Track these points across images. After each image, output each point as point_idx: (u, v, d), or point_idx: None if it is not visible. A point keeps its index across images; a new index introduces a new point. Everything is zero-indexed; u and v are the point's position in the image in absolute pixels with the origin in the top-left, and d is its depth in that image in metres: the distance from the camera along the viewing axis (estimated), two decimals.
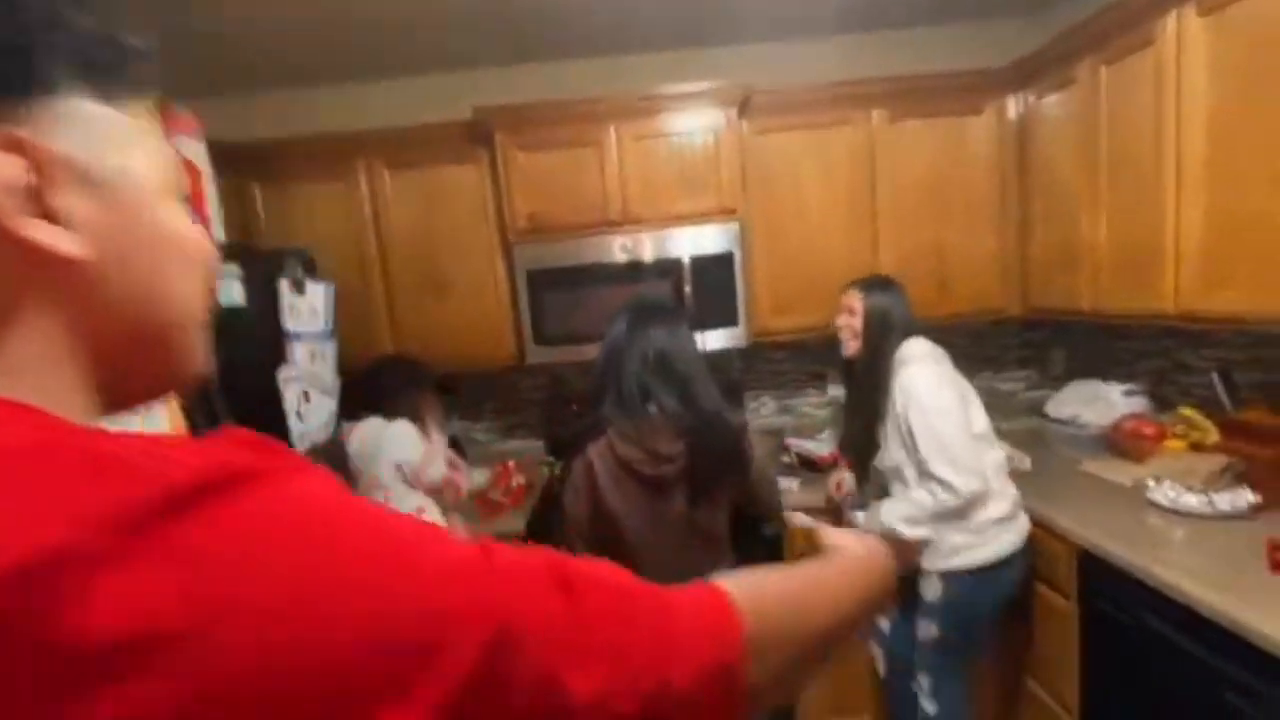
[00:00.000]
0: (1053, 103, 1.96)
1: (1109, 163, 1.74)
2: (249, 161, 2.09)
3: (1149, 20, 1.55)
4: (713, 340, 2.11)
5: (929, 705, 1.65)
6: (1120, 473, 1.79)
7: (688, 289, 2.07)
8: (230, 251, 1.49)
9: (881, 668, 1.83)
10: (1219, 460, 1.61)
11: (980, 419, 1.60)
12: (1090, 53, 1.76)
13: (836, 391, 2.56)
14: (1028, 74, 2.04)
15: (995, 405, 2.02)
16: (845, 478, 1.85)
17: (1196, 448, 1.73)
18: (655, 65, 2.37)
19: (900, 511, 1.57)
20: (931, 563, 1.59)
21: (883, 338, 1.64)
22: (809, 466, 2.22)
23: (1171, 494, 1.57)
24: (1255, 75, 1.32)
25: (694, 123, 2.08)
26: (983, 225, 2.17)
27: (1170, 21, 1.50)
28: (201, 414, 1.27)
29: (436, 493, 1.74)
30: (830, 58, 2.35)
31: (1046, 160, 2.01)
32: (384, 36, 2.01)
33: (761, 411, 2.56)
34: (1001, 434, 1.75)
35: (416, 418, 1.76)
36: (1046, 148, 2.01)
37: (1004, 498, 1.58)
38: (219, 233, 1.53)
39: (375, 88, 2.35)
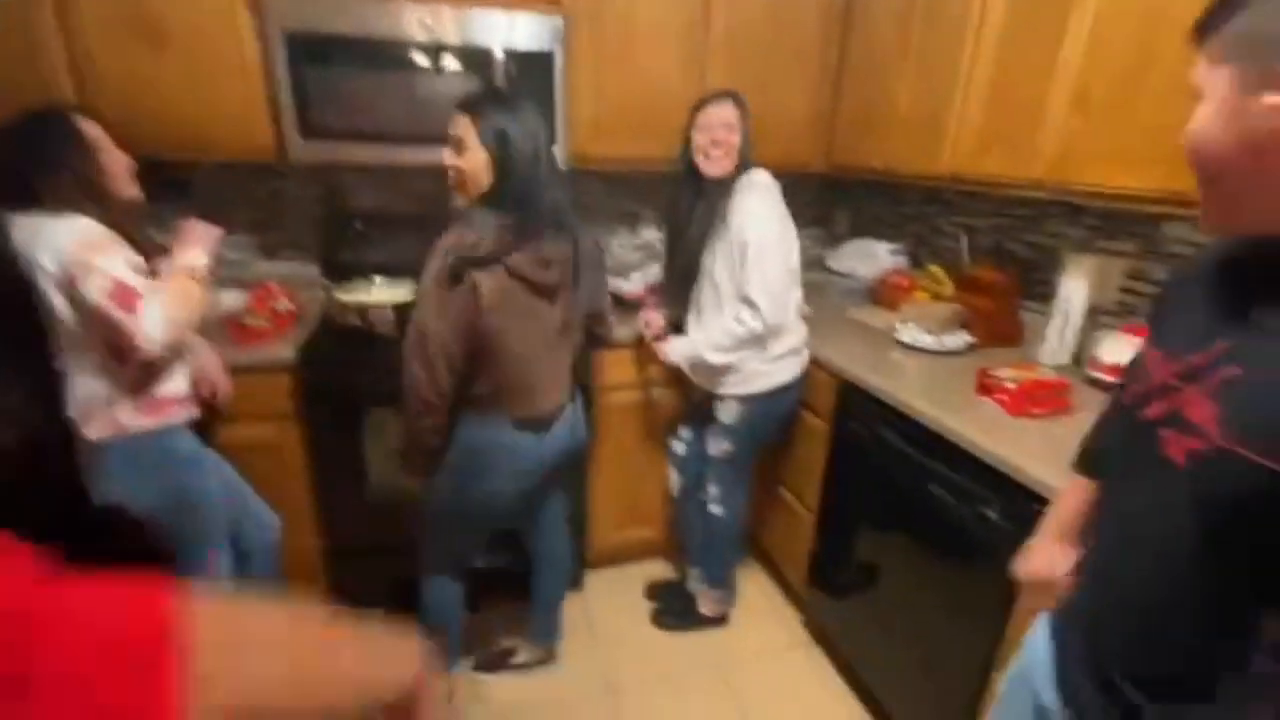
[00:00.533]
0: None
1: (921, 21, 1.79)
2: None
3: None
4: None
5: (717, 509, 1.86)
6: (878, 319, 2.06)
7: (502, 85, 1.78)
8: None
9: (675, 488, 2.00)
10: (952, 308, 1.91)
11: (795, 256, 1.67)
12: None
13: (650, 235, 2.54)
14: None
15: None
16: (654, 315, 1.86)
17: (937, 298, 2.03)
18: None
19: (711, 340, 1.64)
20: (732, 389, 1.71)
21: (747, 159, 1.61)
22: (618, 303, 2.21)
23: (912, 335, 1.85)
24: None
25: None
26: (804, 75, 2.15)
27: None
28: None
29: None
30: None
31: (869, 14, 2.02)
32: None
33: None
34: None
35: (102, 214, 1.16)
36: (870, 3, 2.00)
37: (796, 332, 1.73)
38: None
39: None
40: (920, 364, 1.75)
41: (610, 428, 2.01)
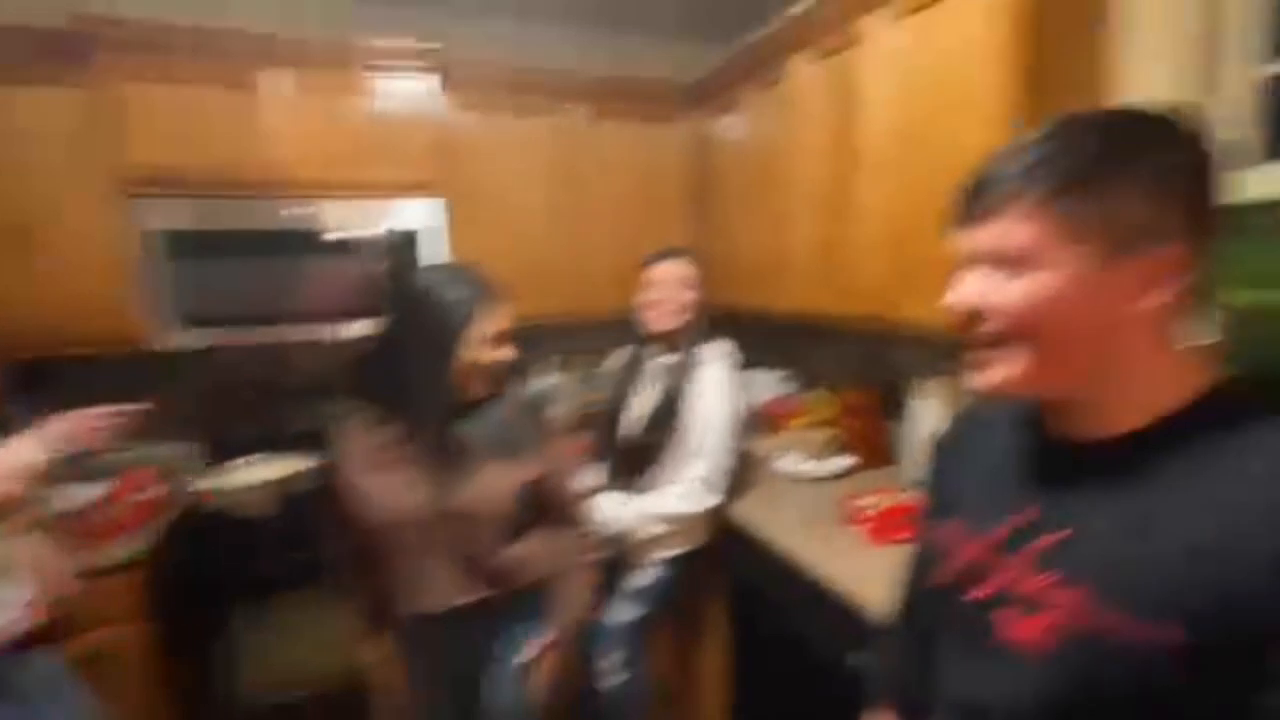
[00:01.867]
0: (723, 122, 2.21)
1: (755, 182, 2.02)
2: None
3: (780, 58, 1.81)
4: None
5: (622, 676, 1.71)
6: (761, 447, 2.09)
7: (381, 268, 1.88)
8: None
9: None
10: (831, 433, 1.97)
11: (742, 420, 1.67)
12: (747, 81, 2.01)
13: (548, 381, 2.60)
14: (708, 92, 2.27)
15: None
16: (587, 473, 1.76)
17: (821, 422, 2.10)
18: (333, 12, 2.11)
19: (649, 510, 1.57)
20: (654, 555, 1.64)
21: (701, 325, 1.61)
22: None
23: (791, 462, 1.88)
24: (849, 117, 1.62)
25: (388, 85, 1.88)
26: (672, 229, 2.35)
27: (794, 62, 1.77)
28: None
29: None
30: (538, 43, 2.36)
31: (718, 174, 2.27)
32: None
33: None
34: None
35: None
36: (719, 163, 2.26)
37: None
38: None
39: None
40: (797, 492, 1.76)
41: None
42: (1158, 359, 0.55)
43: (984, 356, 0.59)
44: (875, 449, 1.91)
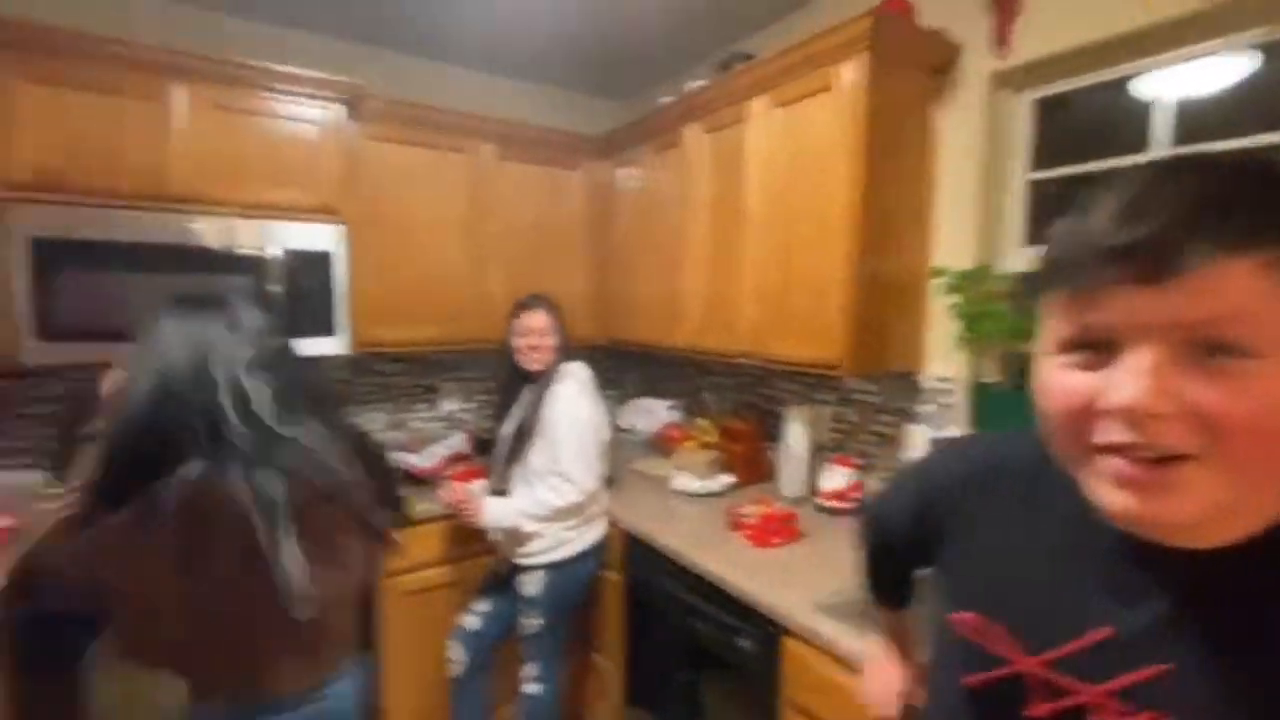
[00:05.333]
0: (623, 175, 2.45)
1: (652, 233, 2.27)
2: None
3: (677, 127, 2.09)
4: (306, 347, 1.92)
5: (535, 688, 1.80)
6: (657, 468, 2.29)
7: (276, 287, 1.87)
8: None
9: (457, 666, 1.87)
10: (713, 455, 2.21)
11: (605, 432, 1.86)
12: (646, 142, 2.27)
13: (451, 405, 2.64)
14: (611, 147, 2.50)
15: None
16: (473, 488, 1.86)
17: (705, 446, 2.33)
18: (248, 33, 2.13)
19: (523, 508, 1.72)
20: (536, 559, 1.75)
21: (561, 356, 1.81)
22: (408, 479, 2.21)
23: (683, 482, 2.09)
24: (731, 184, 1.90)
25: (294, 109, 1.91)
26: (574, 266, 2.53)
27: (689, 131, 2.05)
28: None
29: None
30: (450, 85, 2.49)
31: (618, 221, 2.49)
32: None
33: (372, 426, 2.45)
34: None
35: None
36: (618, 211, 2.49)
37: (599, 500, 1.86)
38: None
39: None
40: (690, 508, 1.96)
41: (400, 615, 1.93)
42: None
43: (1148, 476, 0.41)
44: (754, 468, 2.17)
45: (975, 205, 1.64)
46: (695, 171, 2.03)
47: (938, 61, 1.65)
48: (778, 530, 1.67)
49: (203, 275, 1.77)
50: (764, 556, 1.59)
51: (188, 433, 0.91)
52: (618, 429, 2.66)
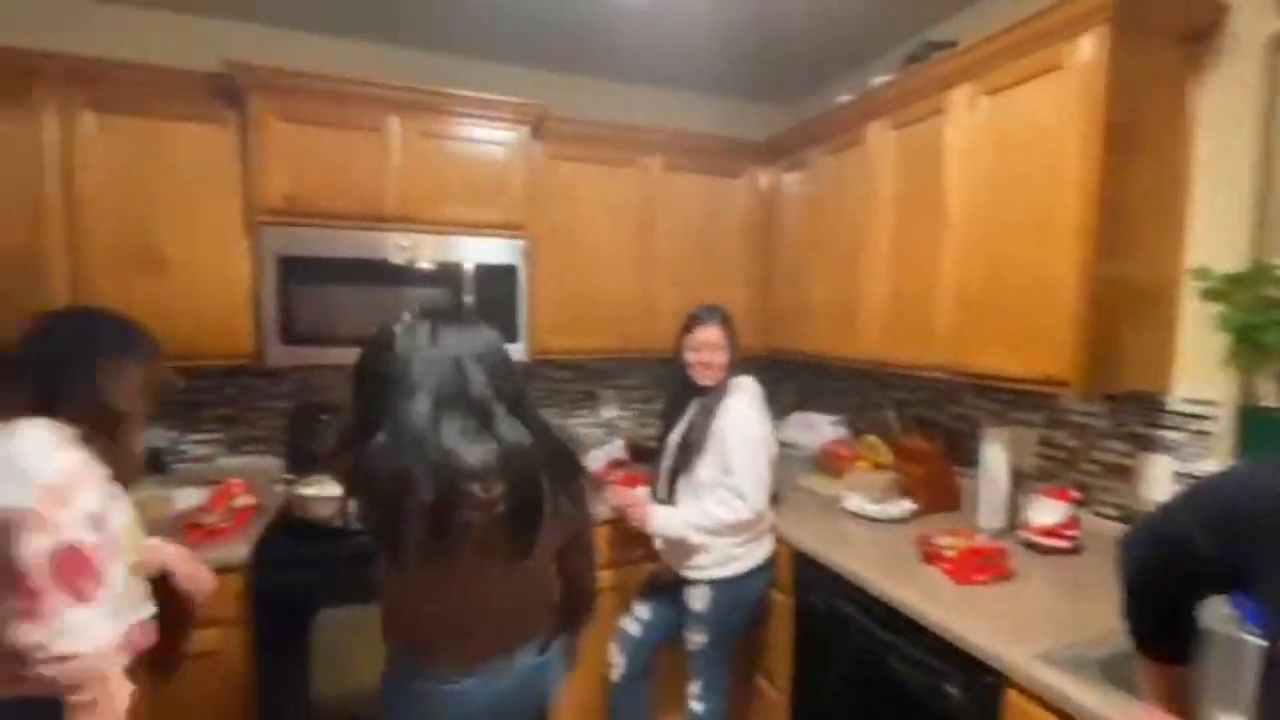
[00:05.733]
0: (791, 179, 2.36)
1: (826, 236, 2.15)
2: None
3: (858, 125, 1.97)
4: None
5: (698, 706, 1.76)
6: (824, 487, 2.16)
7: (468, 298, 2.01)
8: None
9: (616, 671, 1.87)
10: (892, 476, 2.04)
11: (775, 449, 1.80)
12: (818, 144, 2.17)
13: (610, 412, 2.69)
14: (776, 151, 2.43)
15: None
16: (638, 494, 1.88)
17: (878, 467, 2.17)
18: (445, 67, 2.32)
19: (692, 519, 1.69)
20: (703, 573, 1.72)
21: (733, 370, 1.78)
22: None
23: (857, 504, 1.94)
24: (924, 180, 1.75)
25: (487, 133, 2.05)
26: (735, 276, 2.49)
27: (872, 129, 1.92)
28: None
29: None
30: (620, 101, 2.55)
31: (784, 227, 2.41)
32: None
33: None
34: None
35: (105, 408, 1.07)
36: (785, 216, 2.41)
37: (768, 517, 1.79)
38: None
39: (83, 4, 1.89)
40: (867, 532, 1.82)
41: None
42: None
43: None
44: (938, 493, 1.97)
45: (1247, 194, 1.36)
46: (879, 169, 1.90)
47: (1194, 27, 1.40)
48: (982, 566, 1.49)
49: (408, 288, 1.95)
50: (967, 595, 1.41)
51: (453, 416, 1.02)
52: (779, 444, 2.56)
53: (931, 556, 1.57)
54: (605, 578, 2.02)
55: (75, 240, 1.72)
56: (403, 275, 1.95)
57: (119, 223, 1.75)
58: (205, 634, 1.61)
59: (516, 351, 2.10)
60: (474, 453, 1.01)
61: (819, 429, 2.48)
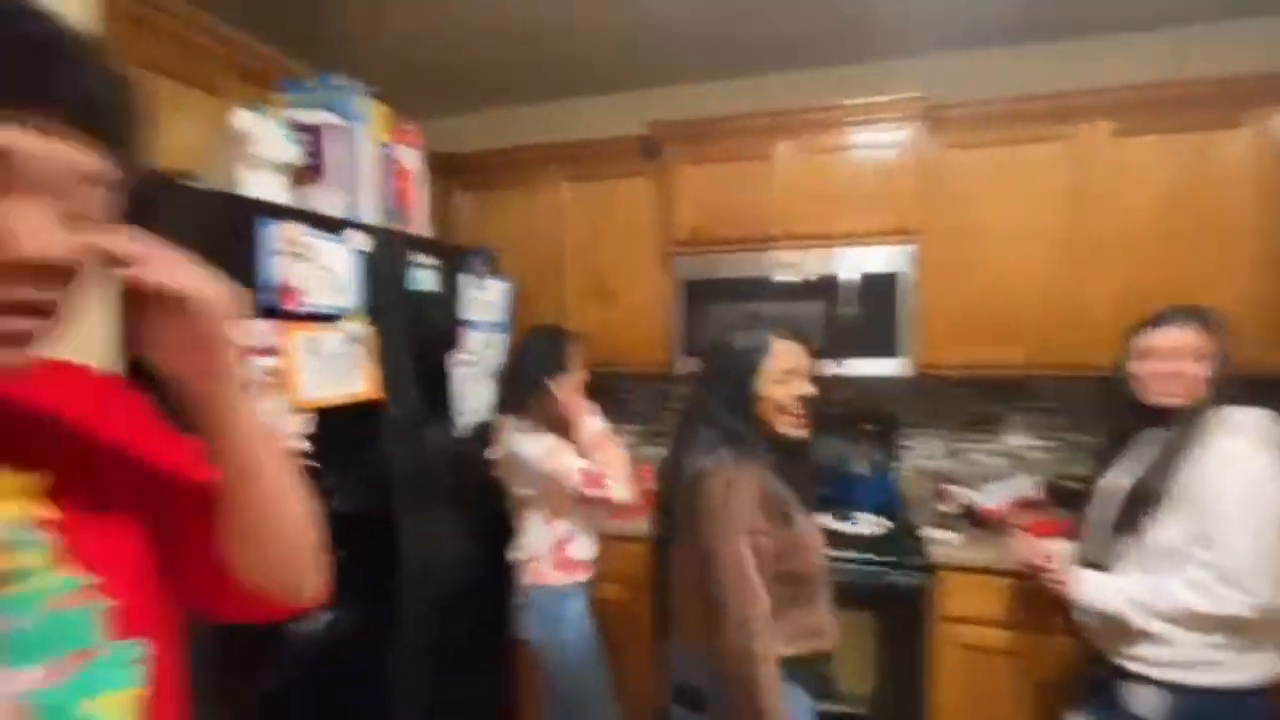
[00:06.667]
0: None
1: None
2: (456, 170, 2.39)
3: None
4: (868, 368, 2.00)
5: None
6: None
7: (848, 309, 1.98)
8: (428, 245, 1.70)
9: None
10: None
11: None
12: None
13: (1016, 440, 2.28)
14: None
15: None
16: (1058, 550, 1.47)
17: None
18: (833, 80, 2.32)
19: (1140, 596, 1.27)
20: (1151, 670, 1.28)
21: (1221, 395, 1.28)
22: (970, 518, 2.01)
23: None
24: None
25: (873, 137, 1.99)
26: (1231, 261, 1.79)
27: None
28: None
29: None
30: (1024, 68, 2.12)
31: None
32: (575, 55, 2.21)
33: (920, 451, 2.36)
34: None
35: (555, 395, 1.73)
36: None
37: (1277, 614, 1.22)
38: (425, 229, 1.76)
39: (561, 106, 2.58)
40: None
41: (954, 668, 1.76)
42: None
43: None
44: None
45: None
46: None
47: None
48: None
49: (789, 302, 2.04)
50: None
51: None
52: None
53: None
54: (1003, 639, 1.74)
55: (561, 283, 2.34)
56: (785, 290, 2.05)
57: (585, 267, 2.32)
58: (618, 589, 2.01)
59: (898, 366, 1.98)
60: None
61: None
